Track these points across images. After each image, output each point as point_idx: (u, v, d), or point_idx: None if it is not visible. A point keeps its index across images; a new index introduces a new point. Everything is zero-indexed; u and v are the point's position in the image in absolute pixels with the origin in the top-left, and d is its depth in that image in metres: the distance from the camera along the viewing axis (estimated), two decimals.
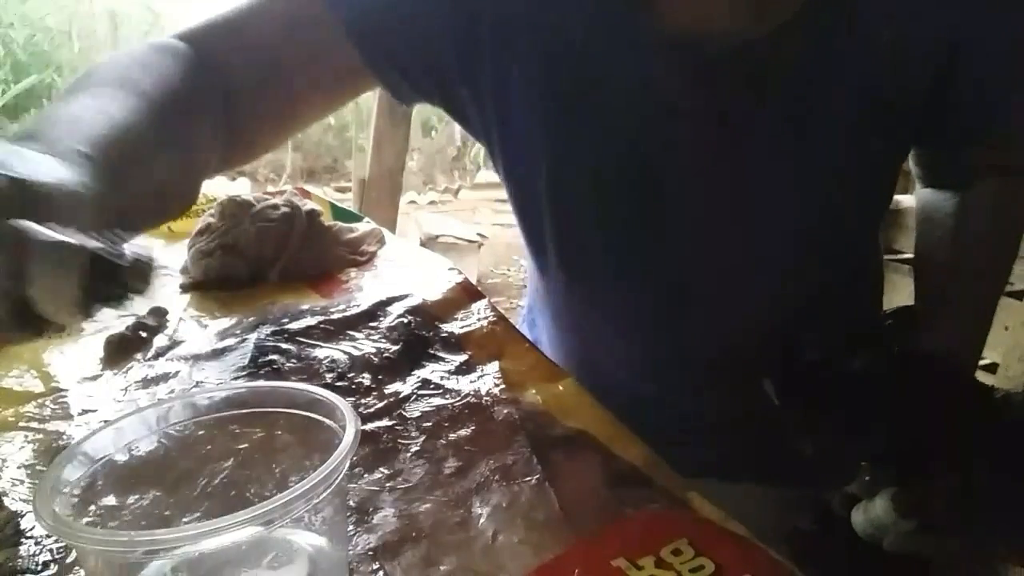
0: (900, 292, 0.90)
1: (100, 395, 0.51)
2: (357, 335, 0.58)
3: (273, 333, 0.58)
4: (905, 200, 1.65)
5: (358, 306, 0.63)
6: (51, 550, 0.36)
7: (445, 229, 2.94)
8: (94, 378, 0.53)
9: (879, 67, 0.54)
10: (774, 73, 0.55)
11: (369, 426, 0.47)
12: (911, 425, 0.48)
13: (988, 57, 0.56)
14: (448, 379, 0.53)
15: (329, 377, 0.52)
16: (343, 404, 0.33)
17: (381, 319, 0.60)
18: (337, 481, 0.29)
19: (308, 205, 0.74)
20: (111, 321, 0.62)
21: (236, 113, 0.58)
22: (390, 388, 0.51)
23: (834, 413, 0.50)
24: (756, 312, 0.64)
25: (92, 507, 0.31)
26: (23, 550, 0.36)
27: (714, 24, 0.54)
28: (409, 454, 0.44)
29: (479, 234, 3.01)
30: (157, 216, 0.48)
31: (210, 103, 0.55)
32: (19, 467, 0.43)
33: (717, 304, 0.64)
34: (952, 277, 0.66)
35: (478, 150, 4.55)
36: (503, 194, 0.68)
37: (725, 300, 0.64)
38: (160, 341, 0.59)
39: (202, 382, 0.52)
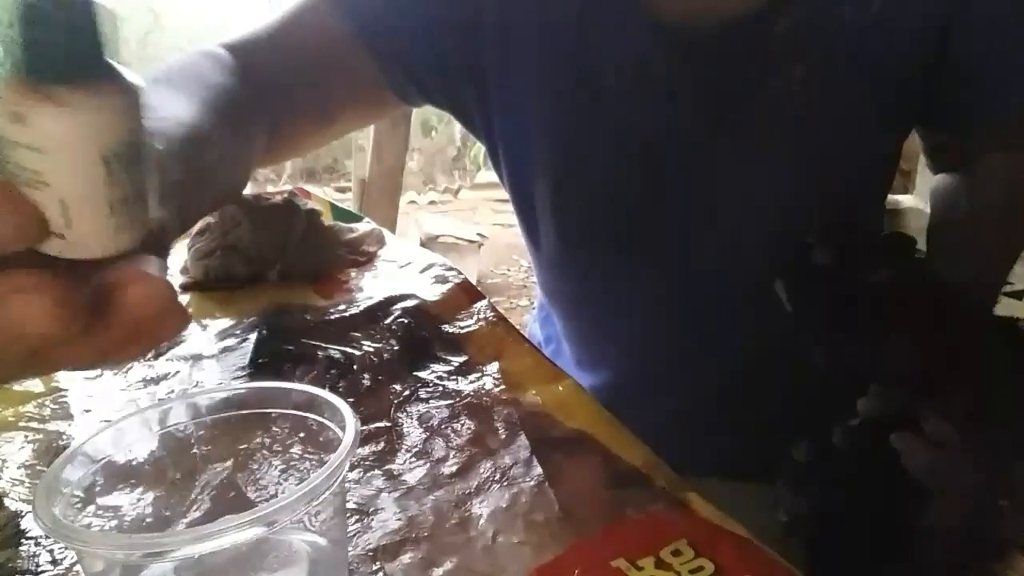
0: None
1: (100, 395, 0.51)
2: (357, 335, 0.58)
3: (273, 333, 0.58)
4: (905, 200, 1.65)
5: (358, 306, 0.63)
6: (51, 551, 0.36)
7: (445, 229, 2.94)
8: (94, 378, 0.53)
9: (871, 39, 0.55)
10: (766, 51, 0.55)
11: (369, 427, 0.47)
12: (929, 341, 0.46)
13: (981, 34, 0.56)
14: (448, 379, 0.53)
15: (329, 377, 0.52)
16: (343, 405, 0.33)
17: (381, 319, 0.60)
18: (337, 482, 0.29)
19: (308, 205, 0.74)
20: None
21: (279, 120, 0.59)
22: (390, 388, 0.51)
23: (850, 320, 0.47)
24: (757, 297, 0.64)
25: (92, 507, 0.31)
26: (23, 550, 0.36)
27: (704, 4, 0.54)
28: (409, 455, 0.44)
29: (479, 234, 3.01)
30: (207, 211, 0.55)
31: (258, 104, 0.56)
32: (19, 467, 0.43)
33: (717, 286, 0.64)
34: (963, 237, 0.65)
35: (478, 150, 4.55)
36: (503, 194, 0.68)
37: (725, 281, 0.64)
38: None
39: (202, 382, 0.52)
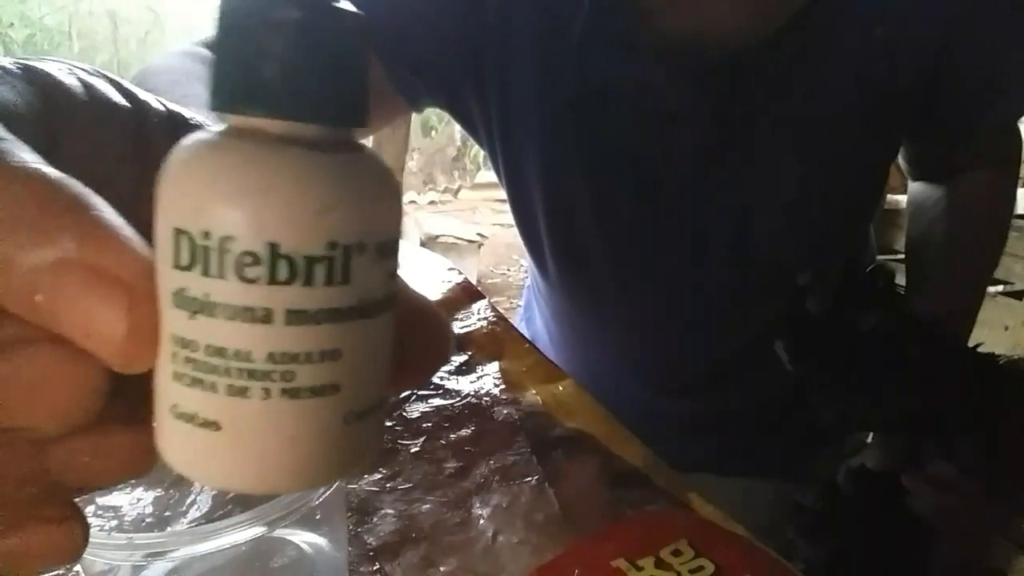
0: None
1: None
2: None
3: None
4: (903, 200, 1.66)
5: None
6: None
7: (445, 229, 2.94)
8: None
9: (872, 65, 0.55)
10: (771, 77, 0.55)
11: None
12: (923, 390, 0.48)
13: (976, 55, 0.56)
14: (448, 379, 0.53)
15: None
16: None
17: None
18: (337, 482, 0.29)
19: None
20: None
21: None
22: None
23: (848, 378, 0.49)
24: (752, 312, 0.64)
25: (92, 507, 0.31)
26: None
27: (711, 30, 0.54)
28: (409, 455, 0.44)
29: (479, 234, 3.01)
30: None
31: None
32: None
33: (713, 307, 0.65)
34: (942, 259, 0.66)
35: (478, 150, 4.55)
36: (503, 194, 0.68)
37: (721, 302, 0.64)
38: None
39: None
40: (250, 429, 0.14)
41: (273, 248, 0.13)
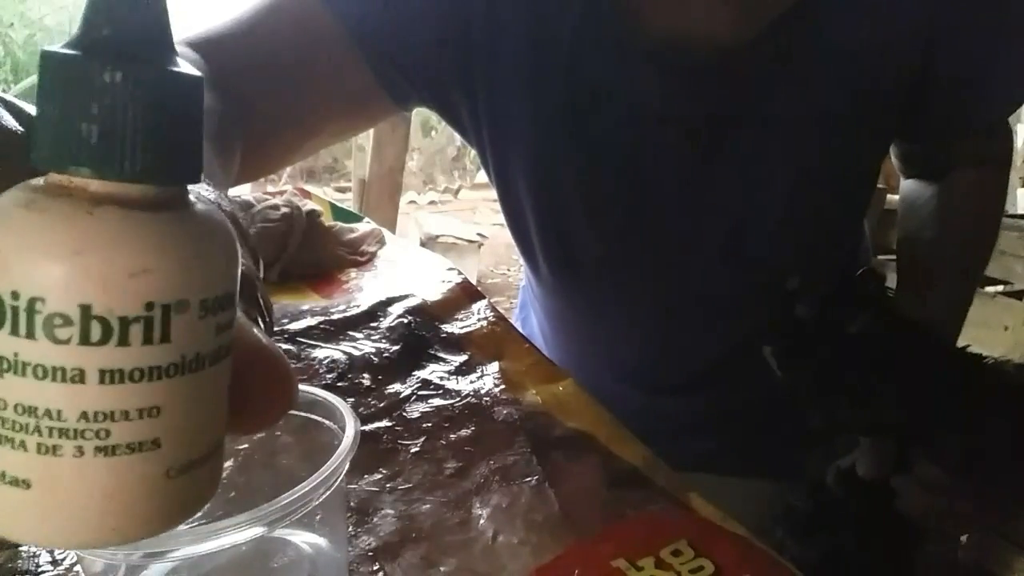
0: None
1: None
2: (357, 335, 0.58)
3: (273, 334, 0.57)
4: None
5: (358, 306, 0.63)
6: (51, 551, 0.36)
7: (445, 229, 2.94)
8: None
9: (858, 66, 0.55)
10: (758, 77, 0.55)
11: (369, 427, 0.47)
12: (912, 394, 0.48)
13: (964, 53, 0.56)
14: (448, 379, 0.53)
15: (329, 378, 0.52)
16: (343, 405, 0.33)
17: (381, 319, 0.60)
18: (337, 482, 0.29)
19: (308, 205, 0.74)
20: None
21: (253, 132, 0.54)
22: (390, 389, 0.51)
23: (837, 382, 0.49)
24: (745, 311, 0.64)
25: None
26: (23, 551, 0.36)
27: (700, 31, 0.54)
28: (409, 455, 0.44)
29: (479, 234, 3.02)
30: None
31: (234, 126, 0.51)
32: None
33: (706, 306, 0.65)
34: (933, 256, 0.67)
35: None
36: None
37: (714, 302, 0.64)
38: None
39: None
40: (63, 487, 0.14)
41: (85, 310, 0.13)
